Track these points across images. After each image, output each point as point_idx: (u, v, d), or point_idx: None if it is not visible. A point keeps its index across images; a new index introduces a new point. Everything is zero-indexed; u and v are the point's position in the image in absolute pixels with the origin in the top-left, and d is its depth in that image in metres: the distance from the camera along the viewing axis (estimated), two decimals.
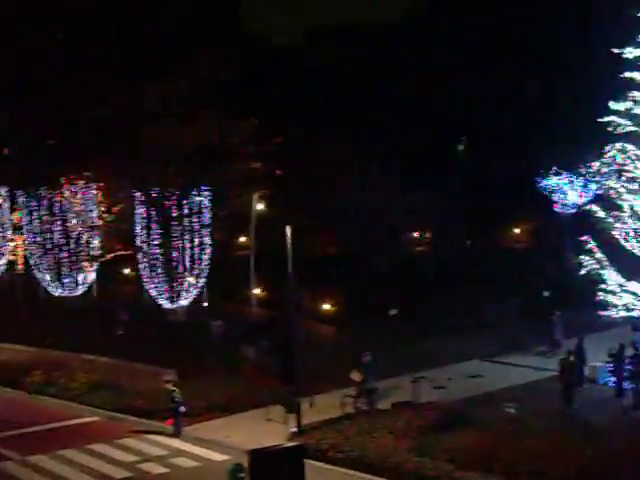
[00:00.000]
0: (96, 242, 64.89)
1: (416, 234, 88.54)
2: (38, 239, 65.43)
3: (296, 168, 76.85)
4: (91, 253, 64.65)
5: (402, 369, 50.79)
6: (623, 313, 48.50)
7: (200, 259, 60.41)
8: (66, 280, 64.93)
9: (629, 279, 48.21)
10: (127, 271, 76.54)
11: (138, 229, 60.53)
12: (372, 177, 76.25)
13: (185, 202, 59.94)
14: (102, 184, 64.14)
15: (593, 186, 71.92)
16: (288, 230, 44.33)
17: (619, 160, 48.31)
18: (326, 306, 66.45)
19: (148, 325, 62.16)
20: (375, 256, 74.21)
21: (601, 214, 49.52)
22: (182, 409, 45.82)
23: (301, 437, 41.97)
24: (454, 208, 78.35)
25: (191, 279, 60.12)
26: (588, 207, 51.56)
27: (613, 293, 48.50)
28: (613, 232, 49.14)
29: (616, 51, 47.60)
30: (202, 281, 61.07)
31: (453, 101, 78.13)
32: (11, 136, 66.70)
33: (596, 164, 51.05)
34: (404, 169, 77.26)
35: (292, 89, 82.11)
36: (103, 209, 64.45)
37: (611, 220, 49.22)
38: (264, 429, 44.80)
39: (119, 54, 60.00)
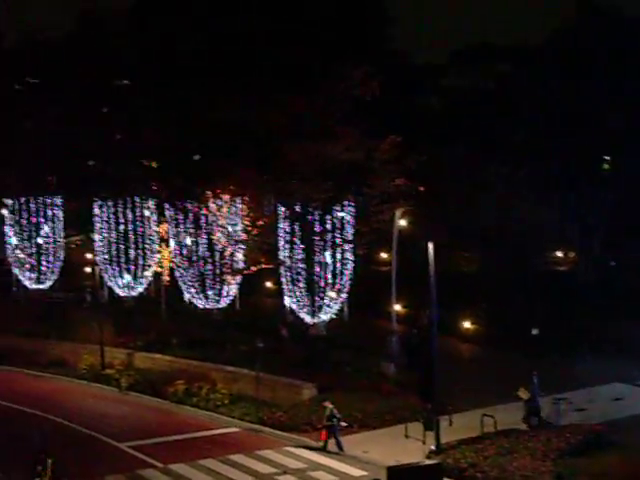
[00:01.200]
0: (240, 255, 65.78)
1: (560, 253, 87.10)
2: (184, 252, 66.75)
3: (439, 185, 76.62)
4: (235, 266, 65.55)
5: (543, 389, 49.97)
6: None
7: (342, 274, 60.72)
8: (210, 292, 66.03)
9: None
10: (269, 284, 77.37)
11: (281, 243, 61.23)
12: (515, 194, 75.43)
13: (328, 217, 60.38)
14: (247, 198, 65.01)
15: None
16: (430, 246, 44.17)
17: None
18: (467, 324, 65.88)
19: (289, 338, 62.66)
20: (517, 273, 73.30)
21: None
22: (342, 424, 45.91)
23: (439, 455, 41.71)
24: (597, 225, 76.86)
25: (332, 294, 60.43)
26: None
27: None
28: None
29: None
30: (343, 296, 61.32)
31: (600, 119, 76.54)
32: (158, 150, 68.19)
33: None
34: (547, 186, 76.16)
35: (434, 107, 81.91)
36: (247, 223, 65.31)
37: None
38: (402, 446, 44.69)
39: (264, 70, 60.73)
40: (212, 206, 65.48)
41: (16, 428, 51.16)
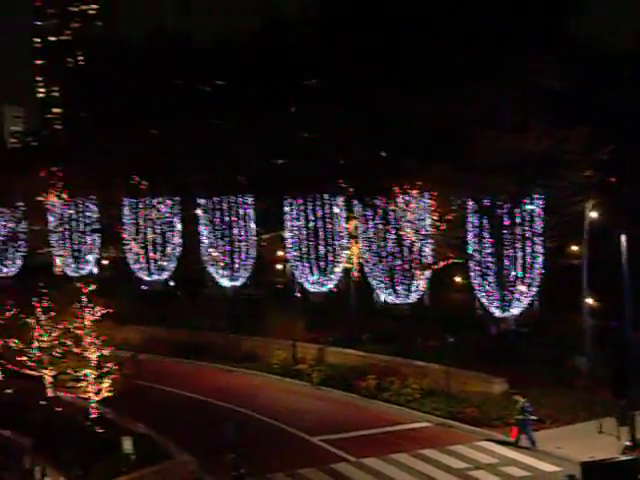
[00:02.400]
0: (428, 250, 65.63)
1: None
2: (373, 247, 67.12)
3: (633, 176, 74.34)
4: (423, 261, 65.48)
5: None
6: None
7: (531, 267, 59.80)
8: (399, 287, 66.17)
9: None
10: (458, 279, 76.92)
11: (470, 237, 60.78)
12: None
13: (517, 210, 59.56)
14: (435, 193, 64.81)
15: None
16: (623, 239, 43.01)
17: None
18: None
19: (478, 333, 62.12)
20: None
21: None
22: (532, 418, 45.31)
23: (635, 451, 40.61)
24: None
25: (523, 287, 59.59)
26: None
27: None
28: None
29: None
30: (533, 290, 60.38)
31: None
32: (347, 148, 68.71)
33: None
34: None
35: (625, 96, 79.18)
36: (435, 217, 65.11)
37: None
38: (596, 442, 43.70)
39: (453, 60, 60.25)
40: (400, 201, 65.54)
41: (210, 420, 52.61)
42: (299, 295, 75.29)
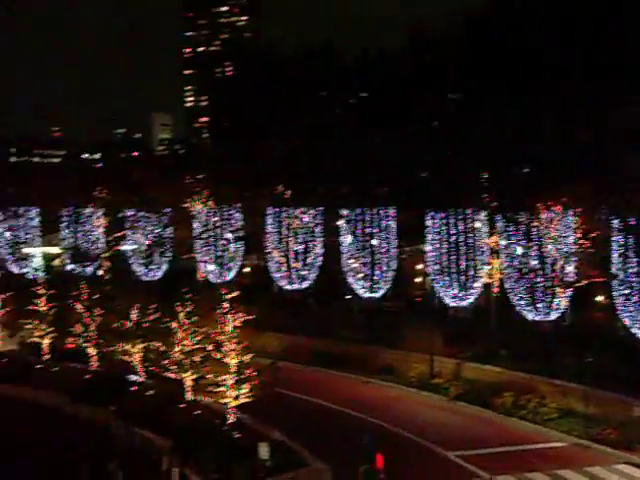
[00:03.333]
0: (570, 268, 64.63)
1: None
2: (514, 263, 66.44)
3: None
4: (565, 279, 64.50)
5: None
6: None
7: None
8: (540, 304, 65.34)
9: None
10: (600, 298, 75.48)
11: (614, 256, 59.59)
12: None
13: None
14: (579, 210, 63.85)
15: None
16: None
17: None
18: None
19: (618, 353, 60.83)
20: None
21: None
22: None
23: None
24: None
25: None
26: None
27: None
28: None
29: None
30: None
31: None
32: (490, 163, 68.43)
33: None
34: None
35: None
36: (579, 235, 64.12)
37: None
38: None
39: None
40: (543, 218, 64.77)
41: (345, 430, 52.88)
42: (439, 309, 74.97)
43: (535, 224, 65.19)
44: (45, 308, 71.75)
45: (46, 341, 72.11)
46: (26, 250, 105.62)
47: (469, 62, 68.89)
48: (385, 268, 79.24)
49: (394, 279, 79.97)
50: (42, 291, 72.38)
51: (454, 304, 72.72)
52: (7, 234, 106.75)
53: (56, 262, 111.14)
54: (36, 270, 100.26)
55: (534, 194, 64.51)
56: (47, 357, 72.09)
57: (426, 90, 71.15)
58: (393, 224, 79.33)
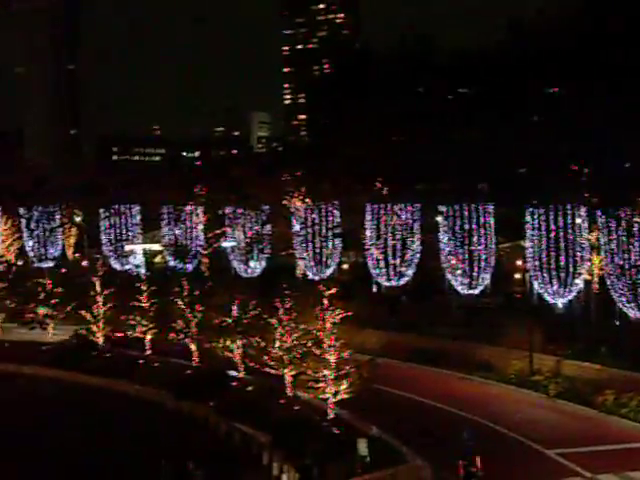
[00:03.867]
0: None
1: None
2: (615, 260, 65.51)
3: None
4: None
5: None
6: None
7: None
8: None
9: None
10: None
11: None
12: None
13: None
14: None
15: None
16: None
17: None
18: None
19: None
20: None
21: None
22: None
23: None
24: None
25: None
26: None
27: None
28: None
29: None
30: None
31: None
32: (590, 157, 67.58)
33: None
34: None
35: None
36: None
37: None
38: None
39: None
40: None
41: (443, 427, 52.82)
42: (538, 305, 74.31)
43: (637, 220, 64.17)
44: (147, 304, 73.03)
45: (148, 337, 73.40)
46: (128, 247, 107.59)
47: (571, 56, 68.09)
48: (484, 264, 78.79)
49: (493, 275, 79.49)
50: (144, 287, 73.69)
51: (553, 300, 71.99)
52: (110, 231, 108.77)
53: (157, 259, 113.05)
54: (137, 267, 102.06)
55: (636, 188, 63.55)
56: (149, 352, 73.41)
57: (525, 84, 70.44)
58: (492, 220, 78.81)
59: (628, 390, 56.06)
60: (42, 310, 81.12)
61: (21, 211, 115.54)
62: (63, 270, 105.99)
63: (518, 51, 75.08)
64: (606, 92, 63.13)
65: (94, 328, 76.17)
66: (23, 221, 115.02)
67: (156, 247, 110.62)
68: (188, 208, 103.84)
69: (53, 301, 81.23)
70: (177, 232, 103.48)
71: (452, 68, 78.94)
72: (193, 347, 68.57)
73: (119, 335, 75.21)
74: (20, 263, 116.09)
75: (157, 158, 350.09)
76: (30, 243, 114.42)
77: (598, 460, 46.43)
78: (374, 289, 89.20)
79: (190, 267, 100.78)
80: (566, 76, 68.27)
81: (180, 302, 68.32)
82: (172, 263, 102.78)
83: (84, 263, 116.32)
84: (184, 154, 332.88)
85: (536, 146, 72.10)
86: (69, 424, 60.04)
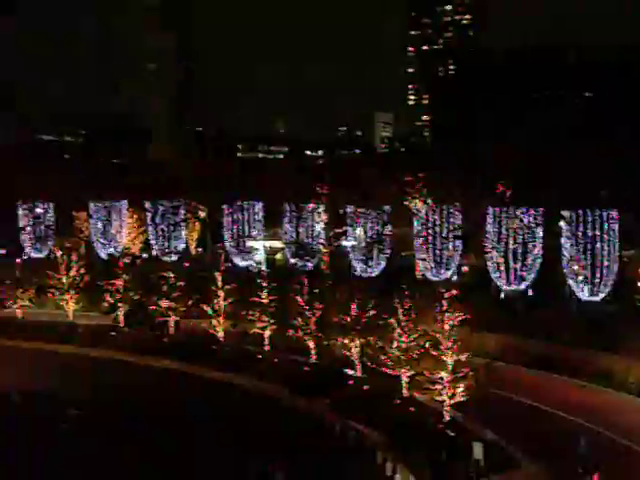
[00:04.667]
0: None
1: None
2: None
3: None
4: None
5: None
6: None
7: None
8: None
9: None
10: None
11: None
12: None
13: None
14: None
15: None
16: None
17: None
18: None
19: None
20: None
21: None
22: None
23: None
24: None
25: None
26: None
27: None
28: None
29: None
30: None
31: None
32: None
33: None
34: None
35: None
36: None
37: None
38: None
39: None
40: None
41: (561, 434, 52.17)
42: None
43: None
44: (267, 300, 73.78)
45: (267, 333, 74.15)
46: (250, 243, 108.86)
47: None
48: (606, 271, 77.56)
49: (615, 283, 78.14)
50: (264, 284, 74.48)
51: None
52: (232, 227, 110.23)
53: (278, 256, 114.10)
54: (259, 263, 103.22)
55: None
56: (268, 348, 74.16)
57: None
58: (615, 226, 77.53)
59: None
60: (165, 303, 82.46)
61: (147, 205, 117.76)
62: (186, 264, 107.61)
63: None
64: None
65: (215, 322, 77.24)
66: (148, 215, 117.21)
67: (277, 244, 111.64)
68: (310, 206, 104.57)
69: (175, 294, 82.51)
70: (299, 230, 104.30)
71: (579, 71, 77.88)
72: (311, 344, 69.08)
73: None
74: (145, 256, 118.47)
75: (281, 156, 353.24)
76: (154, 237, 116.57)
77: None
78: (495, 293, 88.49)
79: (311, 265, 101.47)
80: None
81: (300, 299, 68.90)
82: (293, 260, 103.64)
83: (207, 258, 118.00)
84: (308, 152, 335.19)
85: None
86: (186, 416, 61.02)
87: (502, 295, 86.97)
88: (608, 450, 48.88)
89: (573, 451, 43.56)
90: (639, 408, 60.01)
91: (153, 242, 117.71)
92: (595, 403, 61.25)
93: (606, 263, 77.39)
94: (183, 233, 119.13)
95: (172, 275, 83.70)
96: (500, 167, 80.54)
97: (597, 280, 77.70)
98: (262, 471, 45.52)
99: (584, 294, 78.19)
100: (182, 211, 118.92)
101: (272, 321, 73.57)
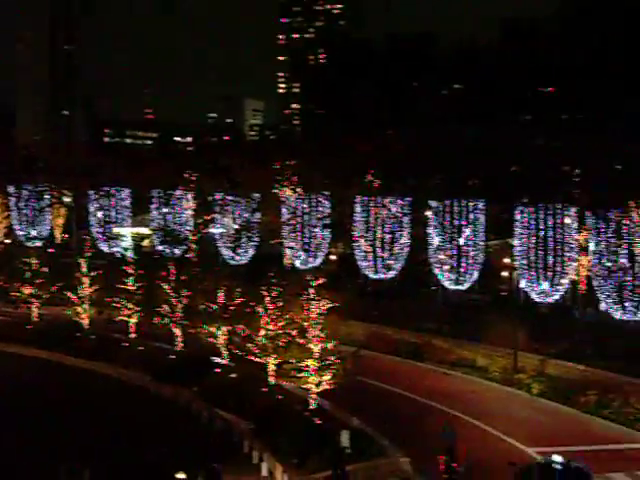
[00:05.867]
0: None
1: None
2: (603, 261, 65.58)
3: None
4: None
5: None
6: None
7: None
8: (627, 303, 64.43)
9: None
10: None
11: None
12: None
13: None
14: None
15: None
16: None
17: None
18: None
19: None
20: None
21: None
22: None
23: None
24: None
25: None
26: None
27: None
28: None
29: None
30: None
31: None
32: (579, 157, 67.68)
33: None
34: None
35: None
36: None
37: None
38: None
39: None
40: (635, 216, 63.82)
41: (424, 421, 52.84)
42: (525, 304, 74.38)
43: (626, 222, 64.26)
44: (133, 288, 72.84)
45: (133, 320, 73.22)
46: (116, 230, 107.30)
47: (566, 57, 68.23)
48: (472, 261, 78.80)
49: (480, 272, 79.51)
50: (131, 271, 73.50)
51: (539, 299, 72.03)
52: (99, 213, 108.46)
53: (145, 242, 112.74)
54: (125, 250, 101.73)
55: (625, 191, 63.62)
56: (133, 336, 73.23)
57: (518, 83, 70.51)
58: (482, 217, 78.80)
59: (611, 391, 56.14)
60: (27, 289, 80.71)
61: (10, 190, 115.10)
62: (50, 250, 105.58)
63: (512, 50, 75.16)
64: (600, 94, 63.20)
65: (79, 309, 75.94)
66: (12, 200, 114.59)
67: (145, 231, 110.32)
68: (178, 193, 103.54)
69: (38, 281, 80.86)
70: (166, 217, 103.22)
71: (447, 64, 78.96)
72: (177, 332, 68.44)
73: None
74: (8, 242, 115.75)
75: (150, 142, 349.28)
76: (18, 222, 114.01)
77: (578, 460, 46.41)
78: (361, 281, 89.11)
79: (178, 252, 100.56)
80: (561, 76, 68.43)
81: (166, 286, 68.17)
82: (160, 247, 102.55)
83: (72, 244, 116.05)
84: (177, 139, 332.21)
85: (528, 145, 72.14)
86: (49, 405, 59.82)
87: (368, 284, 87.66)
88: (470, 436, 49.61)
89: (437, 437, 44.03)
90: (502, 395, 61.20)
91: (17, 227, 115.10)
92: (458, 390, 62.26)
93: (472, 253, 78.55)
94: (48, 218, 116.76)
95: (35, 261, 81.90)
96: (369, 156, 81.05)
97: (462, 270, 78.82)
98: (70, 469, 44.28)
99: (449, 283, 79.29)
100: (47, 196, 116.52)
101: (138, 308, 72.68)
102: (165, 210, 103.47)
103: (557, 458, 39.72)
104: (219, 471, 42.29)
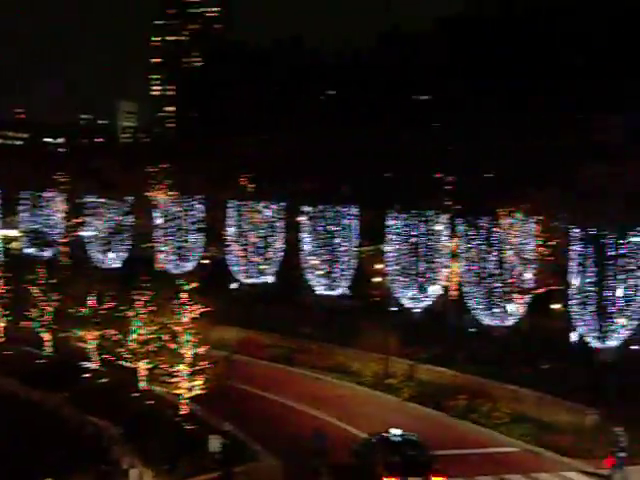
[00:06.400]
0: (529, 275, 64.92)
1: None
2: (473, 267, 66.62)
3: None
4: (523, 285, 64.80)
5: None
6: None
7: (634, 301, 58.66)
8: (496, 310, 65.59)
9: None
10: (557, 306, 75.90)
11: (572, 265, 59.93)
12: None
13: (622, 242, 58.57)
14: (541, 217, 64.19)
15: None
16: None
17: None
18: None
19: (573, 362, 61.22)
20: None
21: None
22: (622, 454, 44.39)
23: None
24: None
25: (623, 320, 58.55)
26: None
27: None
28: None
29: None
30: (634, 323, 59.25)
31: None
32: (451, 165, 68.76)
33: None
34: None
35: None
36: (539, 242, 64.39)
37: None
38: None
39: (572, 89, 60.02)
40: (504, 223, 65.04)
41: (297, 426, 52.86)
42: (395, 309, 75.08)
43: (496, 229, 65.42)
44: (1, 291, 71.20)
45: (1, 324, 71.55)
46: None
47: (442, 63, 69.34)
48: (345, 266, 79.15)
49: (353, 278, 79.93)
50: None
51: (411, 305, 72.77)
52: None
53: (13, 245, 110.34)
54: None
55: (495, 199, 64.86)
56: (1, 340, 71.57)
57: (395, 90, 71.39)
58: (355, 223, 79.27)
59: (480, 396, 57.09)
60: None
61: None
62: None
63: (388, 58, 76.05)
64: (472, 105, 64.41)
65: None
66: None
67: (13, 233, 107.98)
68: (47, 195, 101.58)
69: None
70: (35, 219, 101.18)
71: (324, 70, 79.44)
72: (47, 336, 67.11)
73: None
74: None
75: (20, 142, 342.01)
76: None
77: (446, 464, 46.81)
78: (234, 286, 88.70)
79: (47, 255, 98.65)
80: (436, 85, 69.55)
81: (35, 289, 66.82)
82: (28, 250, 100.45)
83: None
84: (49, 140, 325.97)
85: (402, 151, 73.01)
86: None
87: (237, 288, 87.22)
88: (338, 440, 49.74)
89: (307, 441, 44.11)
90: (372, 400, 61.63)
91: None
92: (330, 395, 62.52)
93: (345, 258, 78.91)
94: None
95: None
96: (245, 159, 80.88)
97: (335, 275, 79.12)
98: None
99: (322, 289, 79.50)
100: None
101: (6, 312, 71.07)
102: (34, 212, 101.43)
103: (395, 431, 43.88)
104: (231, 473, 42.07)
